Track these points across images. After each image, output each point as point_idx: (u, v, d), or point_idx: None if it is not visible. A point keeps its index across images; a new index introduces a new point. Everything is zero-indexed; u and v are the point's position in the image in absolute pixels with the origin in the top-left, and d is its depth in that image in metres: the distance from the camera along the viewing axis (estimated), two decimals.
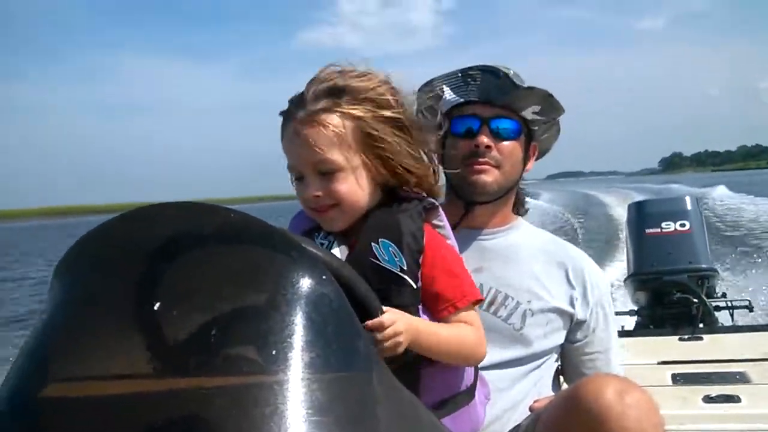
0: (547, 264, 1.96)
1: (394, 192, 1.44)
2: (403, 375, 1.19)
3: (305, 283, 0.92)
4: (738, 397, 2.40)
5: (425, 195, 1.46)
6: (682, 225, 4.64)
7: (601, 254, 10.22)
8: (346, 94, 1.36)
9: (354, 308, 1.03)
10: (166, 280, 0.93)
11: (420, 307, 1.35)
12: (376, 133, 1.37)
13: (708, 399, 2.42)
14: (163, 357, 0.89)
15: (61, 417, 0.86)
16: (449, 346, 1.32)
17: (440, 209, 1.46)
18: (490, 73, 1.88)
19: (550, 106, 1.92)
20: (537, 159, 2.07)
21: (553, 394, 1.89)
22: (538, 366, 1.89)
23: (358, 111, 1.36)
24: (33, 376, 0.92)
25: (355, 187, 1.37)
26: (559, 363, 2.00)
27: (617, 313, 4.99)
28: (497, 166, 1.88)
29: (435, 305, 1.37)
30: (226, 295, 0.91)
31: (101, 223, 1.01)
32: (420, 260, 1.35)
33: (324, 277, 0.95)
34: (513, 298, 1.87)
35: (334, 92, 1.36)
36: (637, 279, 4.68)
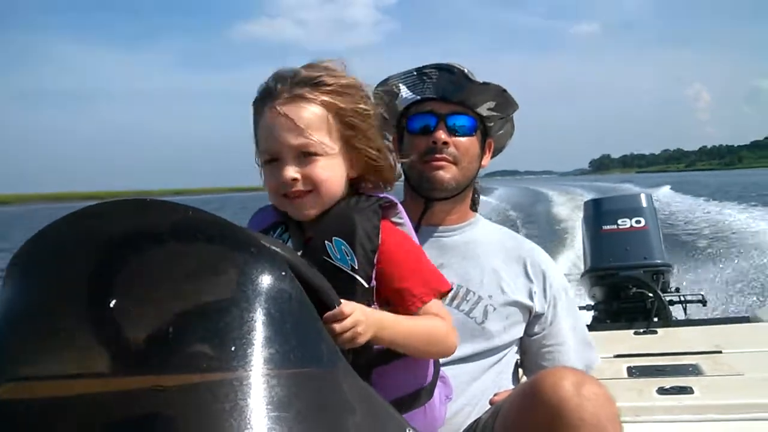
0: (506, 259, 1.98)
1: (354, 189, 1.45)
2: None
3: (264, 280, 0.92)
4: (691, 388, 2.45)
5: (383, 192, 1.47)
6: (638, 222, 4.73)
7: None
8: (327, 85, 1.38)
9: (315, 304, 1.03)
10: (122, 277, 0.92)
11: (375, 305, 1.34)
12: (354, 123, 1.40)
13: (662, 391, 2.47)
14: (119, 355, 0.88)
15: (14, 419, 0.84)
16: (418, 339, 1.31)
17: (399, 206, 1.45)
18: (446, 70, 1.90)
19: (505, 102, 1.94)
20: (493, 156, 2.10)
21: (512, 387, 1.91)
22: (499, 360, 1.91)
23: (339, 101, 1.38)
24: None
25: (334, 174, 1.38)
26: (519, 357, 2.02)
27: None
28: (455, 162, 1.90)
29: (401, 301, 1.36)
30: (184, 291, 0.91)
31: (54, 220, 0.99)
32: (375, 259, 1.35)
33: (283, 273, 0.95)
34: (474, 293, 1.89)
35: (316, 82, 1.38)
36: (594, 275, 4.76)
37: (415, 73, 1.93)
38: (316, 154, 1.35)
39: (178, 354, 0.86)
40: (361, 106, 1.41)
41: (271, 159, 1.38)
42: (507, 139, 2.12)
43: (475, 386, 1.83)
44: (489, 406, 1.75)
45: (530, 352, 2.00)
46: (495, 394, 1.78)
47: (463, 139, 1.91)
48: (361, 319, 1.17)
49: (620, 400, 2.34)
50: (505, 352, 1.93)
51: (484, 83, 1.88)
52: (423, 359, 1.41)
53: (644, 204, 4.91)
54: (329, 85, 1.38)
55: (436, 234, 1.97)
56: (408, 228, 1.45)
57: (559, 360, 1.97)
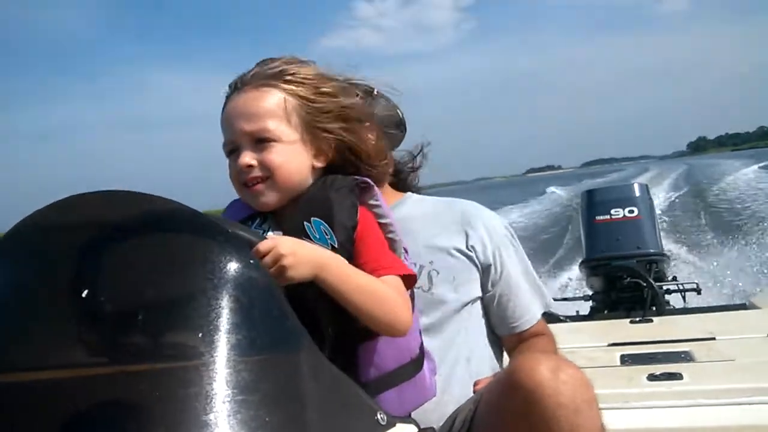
0: (439, 223, 2.00)
1: (330, 172, 1.44)
2: (339, 350, 1.19)
3: (231, 267, 0.94)
4: (680, 374, 2.45)
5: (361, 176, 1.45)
6: (631, 212, 4.74)
7: None
8: (288, 74, 1.40)
9: None
10: (93, 267, 0.94)
11: None
12: (317, 108, 1.40)
13: (652, 377, 2.47)
14: (89, 345, 0.90)
15: None
16: (368, 295, 1.26)
17: (375, 189, 1.45)
18: None
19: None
20: (396, 131, 2.05)
21: (485, 352, 1.96)
22: (462, 328, 1.92)
23: (300, 90, 1.39)
24: None
25: (290, 160, 1.38)
26: (486, 323, 2.01)
27: (574, 299, 5.10)
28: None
29: None
30: (153, 280, 0.92)
31: (30, 213, 1.01)
32: (354, 236, 1.34)
33: (252, 261, 0.97)
34: (416, 264, 1.88)
35: (277, 73, 1.40)
36: (589, 265, 4.77)
37: None
38: (271, 140, 1.36)
39: (146, 342, 0.88)
40: (324, 90, 1.42)
41: (232, 150, 1.39)
42: (391, 115, 2.04)
43: (446, 365, 1.83)
44: (461, 378, 1.81)
45: (491, 308, 2.00)
46: (476, 383, 1.78)
47: None
48: (283, 252, 1.14)
49: (610, 387, 2.36)
50: (464, 316, 1.94)
51: None
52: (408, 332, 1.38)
53: (637, 193, 4.92)
54: (288, 74, 1.40)
55: None
56: (384, 210, 1.44)
57: (517, 305, 1.98)
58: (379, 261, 1.34)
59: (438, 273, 1.91)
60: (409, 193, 2.10)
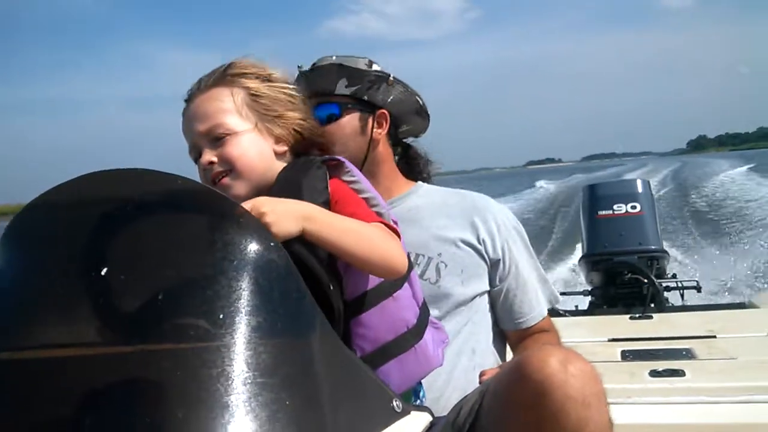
0: (450, 214, 1.99)
1: (299, 156, 1.48)
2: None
3: (252, 249, 0.93)
4: (683, 371, 2.46)
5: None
6: (633, 207, 4.74)
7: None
8: (231, 70, 1.46)
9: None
10: (114, 246, 0.94)
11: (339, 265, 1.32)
12: (267, 96, 1.45)
13: (654, 373, 2.47)
14: (110, 323, 0.90)
15: (7, 382, 0.86)
16: (357, 234, 1.24)
17: (348, 164, 1.45)
18: (310, 69, 1.93)
19: (353, 71, 1.93)
20: (406, 124, 2.06)
21: (489, 348, 1.96)
22: (468, 320, 1.92)
23: (245, 82, 1.45)
24: None
25: (248, 149, 1.41)
26: (492, 316, 2.01)
27: (573, 293, 5.10)
28: (326, 150, 1.89)
29: None
30: (174, 260, 0.92)
31: (47, 189, 1.01)
32: (328, 208, 1.32)
33: (272, 243, 0.96)
34: (424, 255, 1.90)
35: (220, 73, 1.46)
36: (590, 260, 4.76)
37: (299, 74, 1.94)
38: (226, 134, 1.39)
39: (167, 321, 0.88)
40: (272, 77, 1.48)
41: (196, 156, 1.43)
42: (409, 102, 2.05)
43: (449, 351, 1.83)
44: (465, 368, 1.82)
45: (498, 303, 2.00)
46: (482, 373, 1.79)
47: (329, 126, 1.89)
48: (263, 210, 1.10)
49: (613, 382, 2.37)
50: (471, 309, 1.94)
51: (318, 67, 1.90)
52: (398, 301, 1.38)
53: (640, 189, 4.91)
54: (231, 70, 1.45)
55: None
56: (363, 185, 1.43)
57: (524, 302, 1.99)
58: (358, 214, 1.31)
59: (446, 265, 1.90)
60: (420, 183, 2.10)
